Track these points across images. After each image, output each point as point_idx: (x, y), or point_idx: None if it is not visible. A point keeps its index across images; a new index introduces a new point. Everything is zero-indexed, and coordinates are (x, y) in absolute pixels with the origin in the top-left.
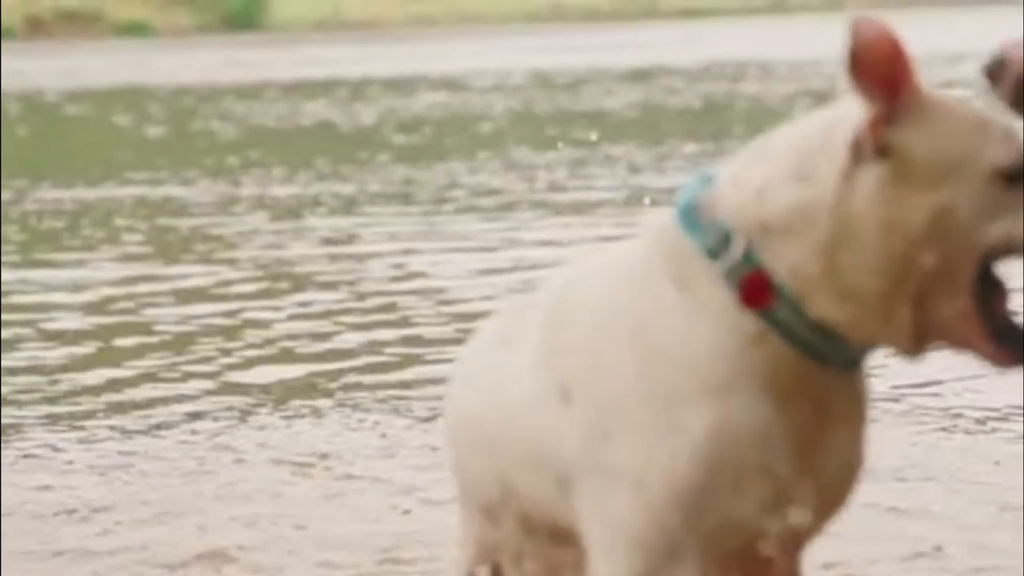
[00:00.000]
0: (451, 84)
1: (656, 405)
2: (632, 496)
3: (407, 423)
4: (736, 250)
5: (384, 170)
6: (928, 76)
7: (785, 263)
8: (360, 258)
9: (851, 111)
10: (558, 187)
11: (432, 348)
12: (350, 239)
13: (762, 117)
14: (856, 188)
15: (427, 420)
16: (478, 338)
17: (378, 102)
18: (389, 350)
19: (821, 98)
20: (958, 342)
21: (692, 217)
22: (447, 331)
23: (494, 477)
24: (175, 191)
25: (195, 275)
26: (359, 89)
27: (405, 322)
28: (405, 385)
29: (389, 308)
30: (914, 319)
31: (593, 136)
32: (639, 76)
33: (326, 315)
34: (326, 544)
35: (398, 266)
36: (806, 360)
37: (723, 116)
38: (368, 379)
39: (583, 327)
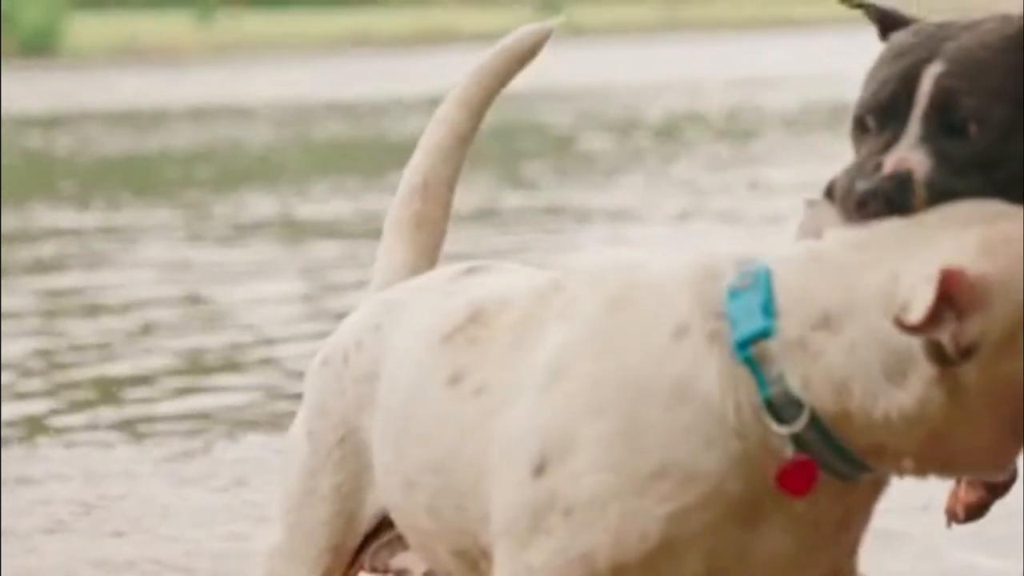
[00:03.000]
0: (248, 113)
1: (656, 524)
2: (577, 565)
3: (194, 455)
4: (802, 423)
5: (178, 199)
6: (737, 100)
7: (866, 440)
8: (150, 285)
9: (898, 268)
10: (353, 215)
11: (219, 377)
12: (142, 268)
13: (554, 145)
14: (955, 387)
15: (213, 450)
16: (411, 369)
17: (174, 131)
18: (175, 381)
19: (614, 127)
20: None
21: (753, 359)
22: (237, 359)
23: (468, 535)
24: None
25: None
26: (155, 119)
27: (193, 352)
28: (195, 416)
29: (177, 336)
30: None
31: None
32: (436, 103)
33: (109, 346)
34: None
35: (190, 298)
36: (844, 484)
37: (515, 142)
38: (157, 410)
39: (596, 416)
